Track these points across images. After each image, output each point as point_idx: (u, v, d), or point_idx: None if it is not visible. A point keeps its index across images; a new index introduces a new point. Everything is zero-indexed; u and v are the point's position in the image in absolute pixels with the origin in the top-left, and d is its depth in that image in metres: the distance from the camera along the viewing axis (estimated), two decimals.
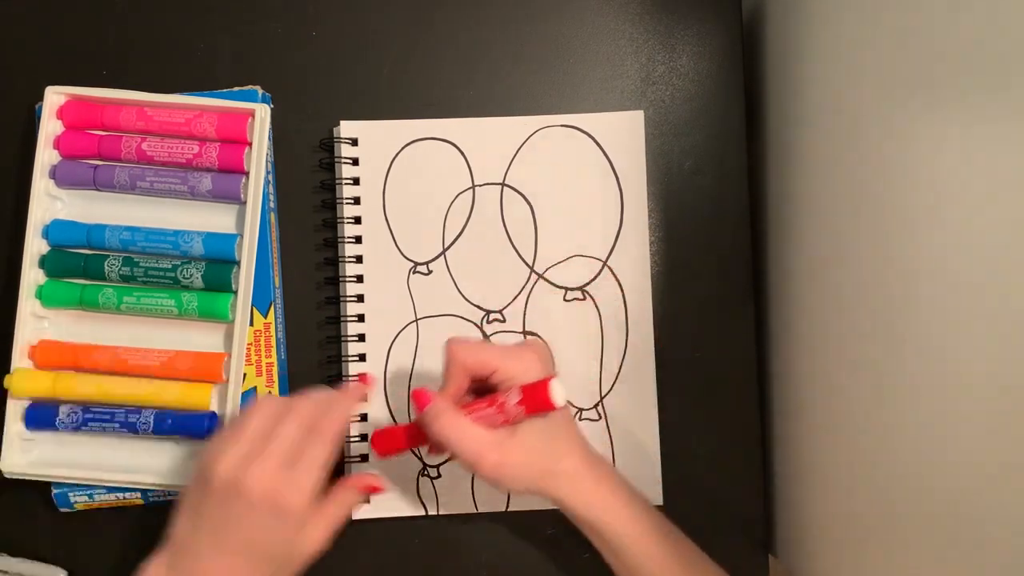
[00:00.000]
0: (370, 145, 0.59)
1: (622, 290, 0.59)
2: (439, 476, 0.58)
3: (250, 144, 0.57)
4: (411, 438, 0.51)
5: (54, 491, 0.57)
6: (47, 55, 0.61)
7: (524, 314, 0.59)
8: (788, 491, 0.58)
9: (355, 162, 0.59)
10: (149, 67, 0.61)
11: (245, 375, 0.57)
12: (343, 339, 0.59)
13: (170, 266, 0.56)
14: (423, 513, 0.58)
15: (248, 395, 0.57)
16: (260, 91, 0.59)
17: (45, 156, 0.57)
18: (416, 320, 0.59)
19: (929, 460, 0.39)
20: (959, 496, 0.37)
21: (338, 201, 0.59)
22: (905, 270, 0.41)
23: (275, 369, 0.58)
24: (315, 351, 0.60)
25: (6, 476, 0.56)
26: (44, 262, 0.57)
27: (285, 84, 0.60)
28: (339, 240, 0.59)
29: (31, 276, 0.57)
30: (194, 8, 0.61)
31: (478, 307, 0.59)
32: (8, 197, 0.60)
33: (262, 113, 0.57)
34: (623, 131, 0.60)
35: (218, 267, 0.56)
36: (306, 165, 0.60)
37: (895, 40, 0.42)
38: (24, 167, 0.59)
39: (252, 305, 0.57)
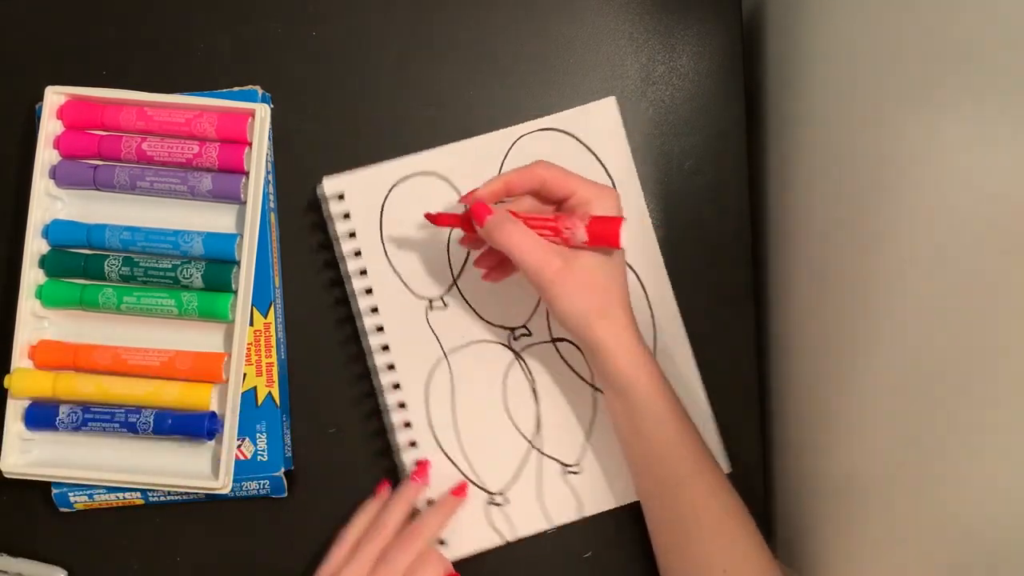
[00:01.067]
0: (357, 196, 0.58)
1: (635, 272, 0.59)
2: (508, 503, 0.58)
3: (250, 144, 0.57)
4: (463, 221, 0.53)
5: (54, 491, 0.57)
6: (47, 55, 0.61)
7: (548, 322, 0.59)
8: (788, 491, 0.58)
9: (347, 216, 0.58)
10: (149, 67, 0.61)
11: (245, 375, 0.57)
12: (374, 372, 0.58)
13: (170, 266, 0.56)
14: (502, 543, 0.57)
15: (248, 395, 0.57)
16: (260, 91, 0.59)
17: (45, 156, 0.57)
18: (445, 355, 0.58)
19: (930, 461, 0.39)
20: (959, 497, 0.37)
21: (340, 259, 0.58)
22: (906, 269, 0.41)
23: (275, 369, 0.58)
24: (315, 351, 0.60)
25: (6, 476, 0.56)
26: (44, 262, 0.57)
27: (285, 84, 0.60)
28: (351, 296, 0.58)
29: (31, 276, 0.57)
30: (194, 8, 0.61)
31: (502, 327, 0.59)
32: (8, 197, 0.60)
33: (262, 113, 0.57)
34: (599, 120, 0.60)
35: (218, 267, 0.56)
36: (306, 165, 0.60)
37: (895, 40, 0.42)
38: (24, 167, 0.59)
39: (252, 305, 0.57)
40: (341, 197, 0.58)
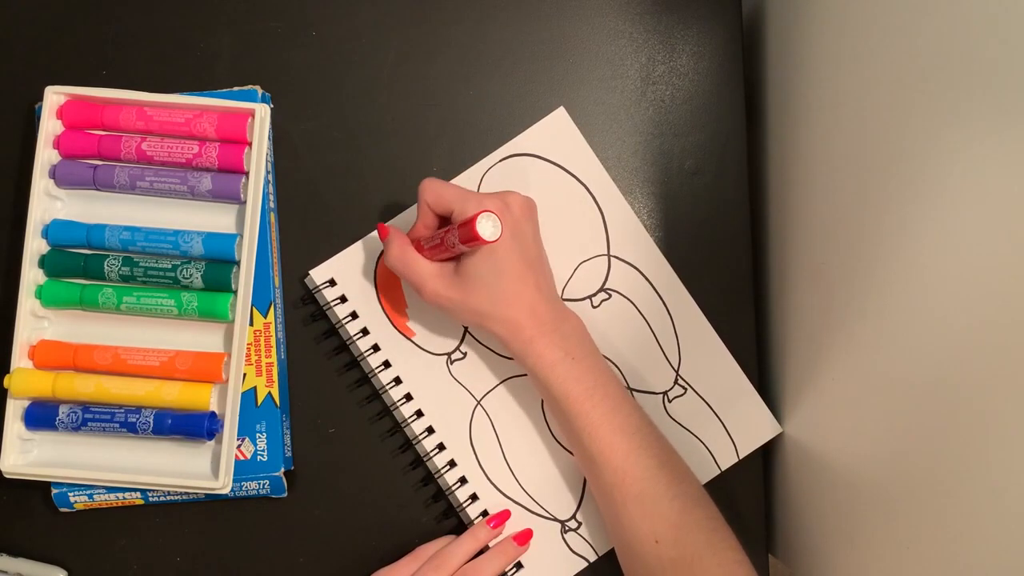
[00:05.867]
0: (347, 276, 0.59)
1: (637, 269, 0.59)
2: (581, 524, 0.58)
3: (250, 144, 0.57)
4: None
5: (54, 491, 0.57)
6: (47, 55, 0.61)
7: None
8: (788, 491, 0.58)
9: (343, 299, 0.58)
10: (149, 67, 0.61)
11: (245, 375, 0.57)
12: (416, 440, 0.58)
13: (170, 266, 0.56)
14: (586, 565, 0.57)
15: (248, 395, 0.57)
16: (260, 91, 0.59)
17: (45, 156, 0.57)
18: (478, 402, 0.58)
19: (931, 461, 0.39)
20: (959, 496, 0.37)
21: (349, 342, 0.58)
22: (906, 270, 0.41)
23: (275, 369, 0.58)
24: (315, 351, 0.60)
25: (6, 476, 0.56)
26: (44, 262, 0.57)
27: (285, 84, 0.60)
28: (371, 375, 0.58)
29: (31, 276, 0.57)
30: (194, 8, 0.61)
31: None
32: (8, 197, 0.60)
33: (262, 113, 0.57)
34: (556, 132, 0.60)
35: (218, 267, 0.56)
36: (306, 164, 0.60)
37: (895, 40, 0.42)
38: (24, 167, 0.59)
39: (252, 305, 0.57)
40: (332, 283, 0.58)
